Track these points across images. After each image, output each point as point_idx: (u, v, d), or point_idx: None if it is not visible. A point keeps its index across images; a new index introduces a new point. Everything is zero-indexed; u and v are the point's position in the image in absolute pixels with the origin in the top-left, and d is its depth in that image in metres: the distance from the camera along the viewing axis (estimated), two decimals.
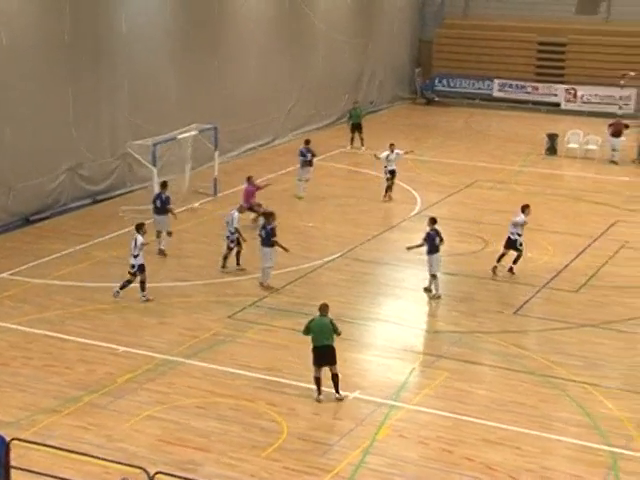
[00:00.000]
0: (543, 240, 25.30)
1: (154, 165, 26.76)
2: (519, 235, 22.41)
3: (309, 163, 29.59)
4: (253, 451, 14.53)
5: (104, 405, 15.85)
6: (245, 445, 14.70)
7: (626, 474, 14.16)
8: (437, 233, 21.23)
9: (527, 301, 21.04)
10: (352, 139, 35.82)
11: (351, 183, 31.44)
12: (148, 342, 18.44)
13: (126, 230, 24.95)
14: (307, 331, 16.32)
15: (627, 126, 34.81)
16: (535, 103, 44.82)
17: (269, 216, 21.68)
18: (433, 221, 21.48)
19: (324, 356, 16.08)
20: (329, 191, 29.87)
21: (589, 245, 24.98)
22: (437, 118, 43.37)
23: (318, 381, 16.14)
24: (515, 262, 22.53)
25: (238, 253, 22.43)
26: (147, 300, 20.47)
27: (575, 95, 43.89)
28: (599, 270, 23.00)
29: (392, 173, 28.86)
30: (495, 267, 22.59)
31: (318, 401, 15.99)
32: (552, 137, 35.83)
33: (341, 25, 40.86)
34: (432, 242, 21.12)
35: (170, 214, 23.69)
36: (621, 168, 33.83)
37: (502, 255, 22.63)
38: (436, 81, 46.84)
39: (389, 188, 28.91)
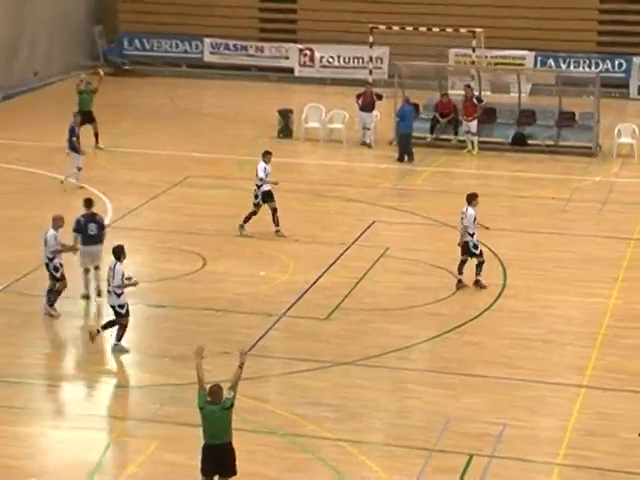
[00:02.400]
0: (280, 253, 25.79)
1: None
2: (470, 235, 23.28)
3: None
4: None
5: None
6: None
7: None
8: (91, 219, 22.52)
9: (262, 336, 21.32)
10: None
11: (15, 188, 30.71)
12: None
13: None
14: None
15: (380, 97, 36.03)
16: (261, 69, 45.90)
17: None
18: (88, 203, 23.05)
19: (219, 461, 15.17)
20: None
21: (340, 256, 25.66)
22: (129, 93, 43.43)
23: None
24: (478, 272, 23.41)
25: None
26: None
27: (312, 58, 45.26)
28: (354, 288, 23.68)
29: (266, 196, 26.77)
30: (459, 281, 23.49)
31: None
32: (285, 114, 36.66)
33: None
34: (85, 231, 22.34)
35: None
36: (376, 152, 35.08)
37: (462, 263, 23.53)
38: (125, 42, 46.92)
39: (254, 214, 26.86)
